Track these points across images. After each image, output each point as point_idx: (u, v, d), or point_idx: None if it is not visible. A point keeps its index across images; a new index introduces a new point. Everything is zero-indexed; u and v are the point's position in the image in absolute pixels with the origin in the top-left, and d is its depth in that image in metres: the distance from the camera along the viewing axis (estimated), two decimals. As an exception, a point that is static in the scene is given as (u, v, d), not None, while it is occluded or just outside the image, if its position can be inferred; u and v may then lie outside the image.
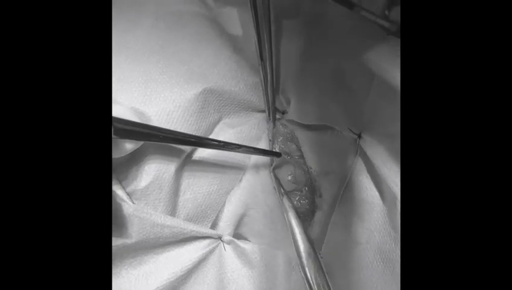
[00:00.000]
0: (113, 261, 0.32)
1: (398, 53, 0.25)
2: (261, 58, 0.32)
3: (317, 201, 0.37)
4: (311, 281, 0.29)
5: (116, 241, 0.30)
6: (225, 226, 0.37)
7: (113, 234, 0.30)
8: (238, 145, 0.33)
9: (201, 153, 0.35)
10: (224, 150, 0.32)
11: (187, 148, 0.33)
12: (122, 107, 0.27)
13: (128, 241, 0.30)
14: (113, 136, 0.24)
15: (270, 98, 0.36)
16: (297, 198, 0.39)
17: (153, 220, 0.30)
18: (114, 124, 0.24)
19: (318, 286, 0.28)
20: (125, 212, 0.29)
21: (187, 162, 0.34)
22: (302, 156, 0.38)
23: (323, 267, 0.28)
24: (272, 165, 0.39)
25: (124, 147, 0.27)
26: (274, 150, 0.38)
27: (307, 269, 0.28)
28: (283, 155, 0.37)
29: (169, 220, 0.31)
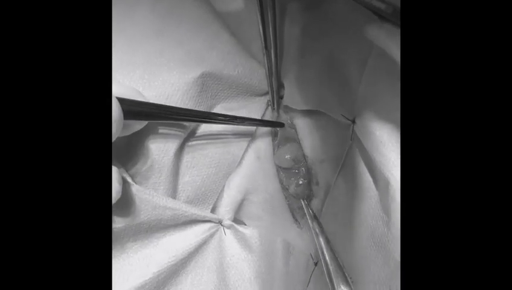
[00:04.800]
0: (114, 245, 0.35)
1: (392, 40, 0.28)
2: (266, 47, 0.35)
3: (314, 189, 0.41)
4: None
5: (117, 223, 0.33)
6: (225, 211, 0.40)
7: (114, 214, 0.33)
8: (243, 118, 0.36)
9: (200, 135, 0.38)
10: (230, 124, 0.36)
11: (185, 130, 0.36)
12: (123, 86, 0.30)
13: (129, 222, 0.33)
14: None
15: (274, 88, 0.39)
16: (293, 186, 0.42)
17: (155, 202, 0.33)
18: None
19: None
20: (127, 192, 0.32)
21: (185, 144, 0.37)
22: (299, 145, 0.42)
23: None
24: (276, 142, 0.43)
25: (128, 128, 0.30)
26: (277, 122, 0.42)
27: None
28: (286, 126, 0.41)
29: (170, 203, 0.34)
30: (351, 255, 0.34)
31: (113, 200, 0.27)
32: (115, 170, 0.29)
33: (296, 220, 0.42)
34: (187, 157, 0.38)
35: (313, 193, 0.41)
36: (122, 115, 0.26)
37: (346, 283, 0.31)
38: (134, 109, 0.29)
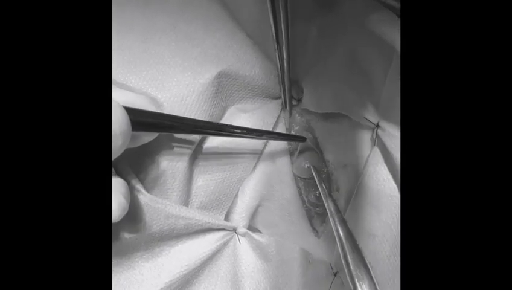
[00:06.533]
0: (125, 254, 0.35)
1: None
2: (277, 42, 0.34)
3: (334, 195, 0.40)
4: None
5: (129, 233, 0.33)
6: (239, 219, 0.39)
7: (126, 225, 0.32)
8: (261, 131, 0.35)
9: (214, 139, 0.37)
10: (247, 137, 0.34)
11: (199, 135, 0.35)
12: (134, 95, 0.29)
13: (141, 232, 0.33)
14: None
15: (286, 86, 0.38)
16: (313, 192, 0.41)
17: (168, 211, 0.33)
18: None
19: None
20: (139, 202, 0.32)
21: (199, 148, 0.37)
22: (318, 147, 0.41)
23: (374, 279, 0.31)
24: (295, 153, 0.42)
25: (137, 139, 0.29)
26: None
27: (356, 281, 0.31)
28: (307, 140, 0.40)
29: (183, 211, 0.34)
30: (374, 265, 0.33)
31: (120, 217, 0.26)
32: (122, 184, 0.28)
33: (314, 228, 0.41)
34: (201, 162, 0.37)
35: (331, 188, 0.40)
36: (130, 126, 0.25)
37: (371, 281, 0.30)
38: (144, 120, 0.27)
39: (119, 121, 0.24)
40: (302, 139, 0.38)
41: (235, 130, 0.33)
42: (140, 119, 0.27)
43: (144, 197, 0.32)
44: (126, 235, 0.33)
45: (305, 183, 0.42)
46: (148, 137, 0.30)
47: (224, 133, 0.33)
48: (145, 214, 0.32)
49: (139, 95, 0.30)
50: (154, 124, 0.28)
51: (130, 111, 0.26)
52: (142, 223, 0.33)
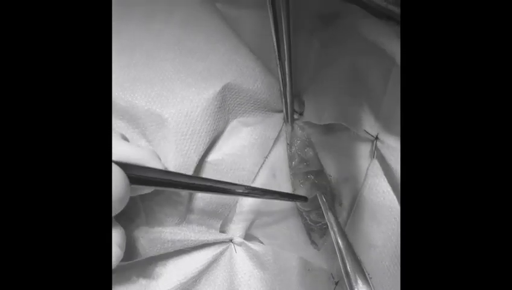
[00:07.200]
0: (123, 266, 0.35)
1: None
2: (279, 58, 0.35)
3: (337, 210, 0.41)
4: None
5: (127, 261, 0.34)
6: (236, 228, 0.40)
7: (124, 256, 0.32)
8: (263, 190, 0.35)
9: (217, 148, 0.38)
10: (248, 196, 0.34)
11: (200, 149, 0.36)
12: (136, 148, 0.30)
13: (138, 258, 0.34)
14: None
15: (288, 100, 0.39)
16: (314, 211, 0.42)
17: (163, 238, 0.34)
18: (127, 172, 0.26)
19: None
20: (136, 237, 0.33)
21: (202, 160, 0.37)
22: (320, 164, 0.42)
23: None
24: None
25: (134, 191, 0.30)
26: (300, 195, 0.40)
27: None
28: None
29: (179, 235, 0.35)
30: (375, 275, 0.33)
31: (115, 264, 0.27)
32: (118, 234, 0.29)
33: (313, 241, 0.42)
34: (200, 174, 0.38)
35: (336, 215, 0.40)
36: (128, 188, 0.26)
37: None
38: (142, 177, 0.28)
39: (116, 188, 0.25)
40: (304, 199, 0.38)
41: (238, 190, 0.32)
42: (138, 175, 0.28)
43: (139, 232, 0.33)
44: (124, 262, 0.34)
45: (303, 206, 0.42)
46: (146, 190, 0.31)
47: (222, 192, 0.32)
48: (141, 246, 0.34)
49: (140, 148, 0.30)
50: (153, 180, 0.29)
51: (127, 167, 0.27)
52: (139, 253, 0.34)
